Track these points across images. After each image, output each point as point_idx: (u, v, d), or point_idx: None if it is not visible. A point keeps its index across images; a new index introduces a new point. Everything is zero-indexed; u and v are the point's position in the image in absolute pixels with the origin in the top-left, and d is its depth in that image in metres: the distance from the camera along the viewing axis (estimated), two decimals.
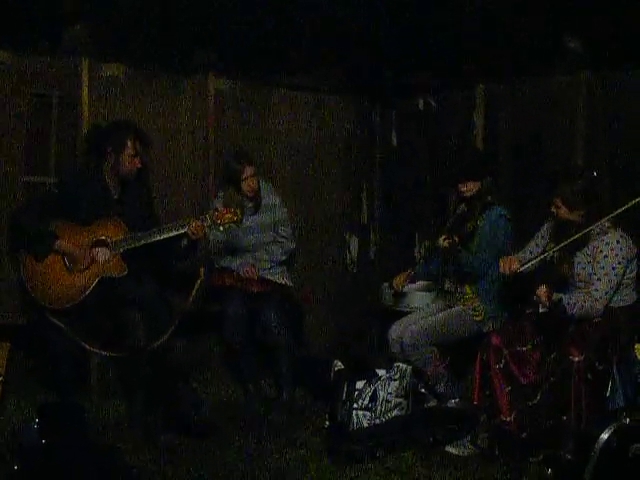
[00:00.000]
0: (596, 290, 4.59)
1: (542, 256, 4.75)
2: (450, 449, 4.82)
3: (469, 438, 4.82)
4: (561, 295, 4.57)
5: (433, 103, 6.89)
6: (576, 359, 4.45)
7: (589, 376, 4.47)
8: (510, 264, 4.79)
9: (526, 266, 4.73)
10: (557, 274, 4.79)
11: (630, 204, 4.48)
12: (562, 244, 4.64)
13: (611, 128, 5.67)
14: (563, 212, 4.73)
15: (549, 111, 6.03)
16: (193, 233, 5.10)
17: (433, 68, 6.40)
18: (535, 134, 6.12)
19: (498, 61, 6.00)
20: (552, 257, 4.81)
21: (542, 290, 4.56)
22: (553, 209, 4.78)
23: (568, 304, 4.56)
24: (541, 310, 4.75)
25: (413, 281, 5.84)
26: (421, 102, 6.97)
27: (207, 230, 5.32)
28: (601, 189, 4.79)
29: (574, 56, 5.66)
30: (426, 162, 6.93)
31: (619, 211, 4.52)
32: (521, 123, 6.23)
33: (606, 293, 4.59)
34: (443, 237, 5.32)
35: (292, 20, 6.09)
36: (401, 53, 6.25)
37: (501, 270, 4.83)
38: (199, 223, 5.11)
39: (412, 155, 7.13)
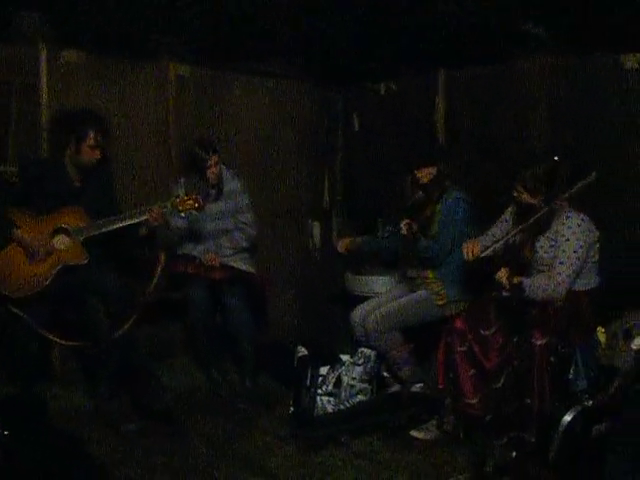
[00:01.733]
0: (559, 273, 4.62)
1: (503, 240, 4.78)
2: (414, 433, 4.85)
3: (433, 422, 4.86)
4: (522, 278, 4.61)
5: (395, 88, 6.91)
6: (539, 342, 4.47)
7: (552, 359, 4.50)
8: (472, 248, 4.83)
9: (488, 250, 4.76)
10: (519, 258, 4.82)
11: (581, 184, 4.54)
12: (521, 227, 4.68)
13: (572, 112, 5.71)
14: (525, 197, 4.77)
15: (510, 96, 6.05)
16: (154, 220, 5.08)
17: (394, 53, 6.39)
18: (496, 118, 6.16)
19: (459, 46, 6.02)
20: (514, 241, 4.84)
21: (502, 273, 4.62)
22: (515, 193, 4.82)
23: (529, 287, 4.59)
24: (504, 294, 4.80)
25: (358, 249, 5.78)
26: (383, 87, 6.98)
27: (168, 217, 5.31)
28: (562, 173, 4.80)
29: (535, 41, 5.69)
30: (388, 147, 6.93)
31: (572, 191, 4.57)
32: (482, 108, 6.25)
33: (568, 276, 4.62)
34: (403, 223, 5.33)
35: (252, 6, 6.06)
36: (362, 38, 6.24)
37: (464, 255, 4.87)
38: (160, 210, 5.09)
39: (374, 140, 7.14)
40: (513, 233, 4.74)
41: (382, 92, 6.99)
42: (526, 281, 4.62)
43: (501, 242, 4.79)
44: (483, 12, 5.58)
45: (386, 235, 5.49)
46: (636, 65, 5.33)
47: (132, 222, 5.09)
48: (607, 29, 5.24)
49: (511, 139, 6.02)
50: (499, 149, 6.03)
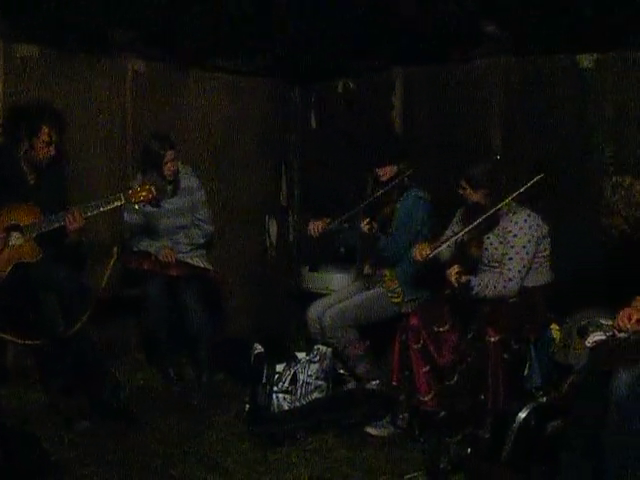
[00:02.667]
0: (509, 270, 4.67)
1: (451, 240, 4.81)
2: (369, 430, 4.86)
3: (388, 419, 4.88)
4: (470, 277, 4.64)
5: (352, 85, 6.91)
6: (492, 339, 4.50)
7: (505, 356, 4.54)
8: (422, 250, 4.85)
9: (436, 251, 4.78)
10: (468, 256, 4.85)
11: (529, 184, 4.58)
12: (469, 227, 4.71)
13: (528, 112, 5.76)
14: (469, 193, 4.84)
15: (467, 95, 6.09)
16: (71, 223, 4.92)
17: (352, 51, 6.39)
18: (454, 117, 6.19)
19: (417, 44, 6.03)
20: (463, 240, 4.87)
21: (452, 270, 4.64)
22: (460, 191, 4.88)
23: (478, 285, 4.62)
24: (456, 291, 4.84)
25: (328, 231, 5.72)
26: (340, 84, 6.98)
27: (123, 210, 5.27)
28: (505, 171, 4.89)
29: (492, 40, 5.72)
30: (345, 144, 6.94)
31: (520, 190, 4.61)
32: (440, 106, 6.28)
33: (519, 272, 4.66)
34: (364, 222, 5.32)
35: (210, 1, 6.03)
36: (320, 35, 6.24)
37: (415, 257, 4.90)
38: (79, 213, 4.94)
39: (331, 137, 7.14)
40: (462, 233, 4.77)
41: (339, 90, 7.00)
42: (474, 279, 4.65)
43: (448, 242, 4.82)
44: (441, 11, 5.59)
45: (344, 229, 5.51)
46: (592, 65, 5.39)
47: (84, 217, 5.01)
48: (564, 29, 5.29)
49: (468, 138, 6.05)
50: (457, 148, 6.06)
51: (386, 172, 5.43)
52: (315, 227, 5.51)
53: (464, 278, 4.59)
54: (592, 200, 5.46)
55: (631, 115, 5.27)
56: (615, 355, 3.79)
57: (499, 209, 4.71)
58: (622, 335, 3.82)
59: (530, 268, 4.73)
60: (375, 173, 5.48)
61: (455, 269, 4.64)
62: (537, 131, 5.73)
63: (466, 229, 4.74)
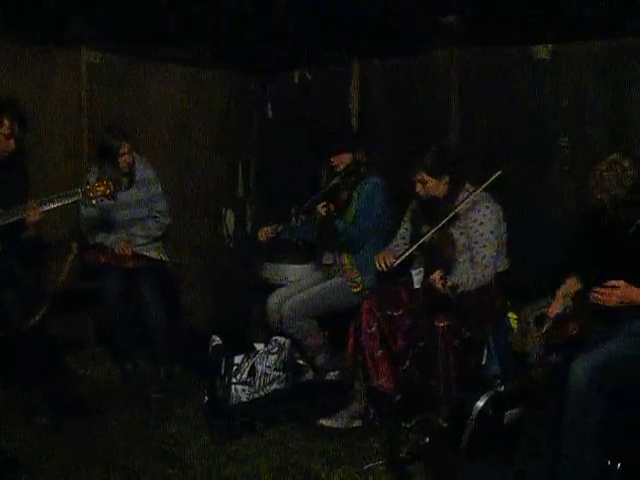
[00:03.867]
0: (483, 257, 4.68)
1: (417, 245, 4.76)
2: (323, 422, 4.85)
3: (342, 411, 4.87)
4: (454, 279, 4.55)
5: (309, 76, 6.91)
6: (441, 324, 4.53)
7: (456, 342, 4.57)
8: (385, 259, 4.84)
9: (401, 258, 4.75)
10: (440, 256, 4.84)
11: (489, 181, 4.59)
12: (436, 227, 4.68)
13: (485, 103, 5.80)
14: (431, 186, 4.79)
15: (424, 86, 6.11)
16: (29, 217, 4.89)
17: (309, 41, 6.38)
18: (411, 108, 6.20)
19: (373, 36, 6.03)
20: (430, 240, 4.83)
21: (436, 276, 4.52)
22: (418, 188, 4.83)
23: (461, 284, 4.57)
24: (415, 286, 4.83)
25: (278, 235, 5.68)
26: (297, 75, 6.99)
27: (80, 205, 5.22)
28: (458, 154, 4.99)
29: (449, 31, 5.73)
30: (302, 135, 6.92)
31: (481, 188, 4.63)
32: (397, 97, 6.30)
33: (492, 257, 4.68)
34: (320, 205, 5.30)
35: None
36: (276, 26, 6.22)
37: (378, 267, 4.87)
38: (36, 205, 4.91)
39: (288, 128, 7.13)
40: (428, 236, 4.75)
41: (296, 81, 7.00)
42: (459, 281, 4.58)
43: (414, 247, 4.78)
44: (398, 2, 5.59)
45: (299, 224, 5.49)
46: (546, 56, 5.43)
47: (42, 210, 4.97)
48: (519, 20, 5.32)
49: (425, 128, 6.07)
50: (413, 138, 6.09)
51: (341, 160, 5.42)
52: (264, 233, 5.52)
53: (450, 282, 4.49)
54: (549, 188, 5.51)
55: (587, 105, 5.31)
56: (559, 330, 3.86)
57: (462, 206, 4.71)
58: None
59: (500, 252, 4.78)
60: (330, 162, 5.47)
61: (438, 274, 4.52)
62: (494, 122, 5.76)
63: (433, 230, 4.71)
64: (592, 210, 3.92)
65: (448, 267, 4.76)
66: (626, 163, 3.77)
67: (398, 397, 4.64)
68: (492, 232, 4.69)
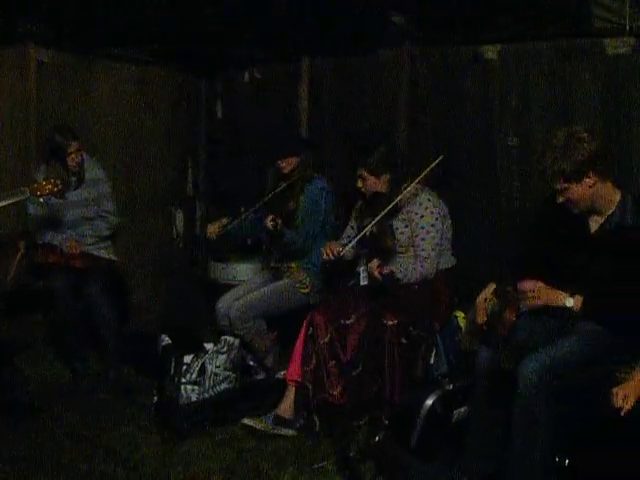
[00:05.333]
0: (423, 250, 4.71)
1: (361, 234, 4.79)
2: (246, 421, 4.76)
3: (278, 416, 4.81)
4: (391, 267, 4.60)
5: (258, 75, 6.88)
6: (389, 323, 4.55)
7: (403, 340, 4.57)
8: (332, 248, 4.82)
9: (347, 247, 4.78)
10: (383, 248, 4.85)
11: (432, 166, 4.64)
12: (377, 217, 4.70)
13: (433, 103, 5.81)
14: (370, 183, 4.85)
15: (373, 85, 6.12)
16: None
17: (259, 40, 6.36)
18: (360, 107, 6.21)
19: (323, 34, 6.02)
20: (372, 232, 4.86)
21: (373, 264, 4.58)
22: (360, 184, 4.88)
23: (400, 272, 4.61)
24: (362, 283, 4.83)
25: (226, 232, 5.60)
26: (246, 74, 6.96)
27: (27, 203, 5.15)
28: (400, 155, 5.00)
29: (398, 31, 5.73)
30: (251, 135, 6.92)
31: (423, 175, 4.67)
32: (346, 96, 6.30)
33: (432, 250, 4.70)
34: (268, 220, 5.24)
35: None
36: (226, 25, 6.18)
37: (324, 257, 4.87)
38: None
39: (237, 127, 7.12)
40: (371, 225, 4.76)
41: (246, 79, 6.96)
42: (397, 270, 4.62)
43: (358, 237, 4.80)
44: (348, 1, 5.58)
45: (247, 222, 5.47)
46: (495, 56, 5.44)
47: None
48: (467, 21, 5.33)
49: (374, 129, 6.08)
50: (362, 138, 6.00)
51: (288, 164, 5.40)
52: (212, 230, 5.47)
53: (386, 269, 4.53)
54: (496, 186, 5.54)
55: (534, 105, 5.33)
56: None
57: (403, 194, 4.72)
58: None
59: (441, 246, 4.77)
60: (277, 165, 5.44)
61: (375, 263, 4.58)
62: (442, 122, 5.79)
63: (374, 221, 4.73)
64: (547, 203, 3.91)
65: (389, 258, 4.80)
66: (584, 134, 3.70)
67: (350, 405, 4.59)
68: (433, 225, 4.72)
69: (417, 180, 4.68)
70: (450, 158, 4.84)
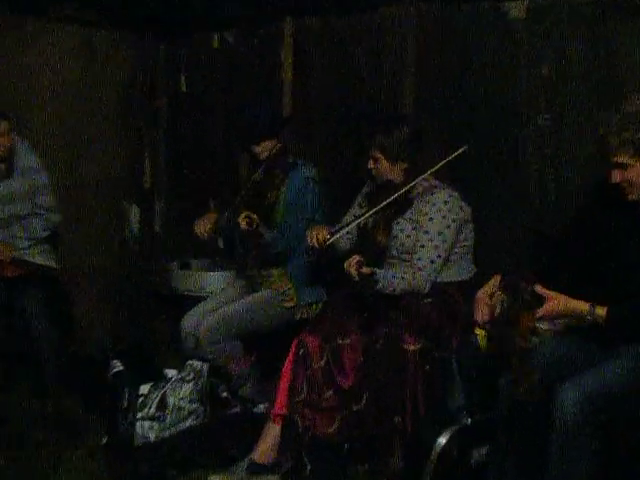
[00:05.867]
0: (419, 259, 4.67)
1: (354, 223, 4.79)
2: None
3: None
4: (374, 268, 4.57)
5: (231, 40, 6.86)
6: (411, 348, 4.51)
7: (427, 367, 4.54)
8: (318, 234, 4.80)
9: (337, 235, 4.75)
10: (374, 245, 4.83)
11: (452, 156, 4.64)
12: (376, 208, 4.70)
13: (446, 71, 5.78)
14: (383, 167, 4.82)
15: (372, 50, 6.09)
16: None
17: None
18: (356, 78, 6.19)
19: None
20: (367, 225, 4.87)
21: (352, 260, 4.52)
22: (370, 165, 4.85)
23: (383, 278, 4.56)
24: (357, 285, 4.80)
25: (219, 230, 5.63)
26: (216, 39, 6.94)
27: None
28: (428, 140, 4.89)
29: None
30: (223, 113, 6.93)
31: (440, 165, 4.65)
32: (339, 64, 6.28)
33: (431, 262, 4.65)
34: (241, 217, 5.20)
35: None
36: None
37: (309, 242, 4.85)
38: None
39: (206, 104, 7.11)
40: (368, 215, 4.76)
41: (216, 45, 6.95)
42: (379, 271, 4.59)
43: (351, 225, 4.79)
44: None
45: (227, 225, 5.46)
46: (522, 14, 5.41)
47: None
48: None
49: (373, 103, 6.06)
50: (359, 116, 6.06)
51: (265, 148, 5.40)
52: (203, 227, 5.44)
53: (365, 269, 4.49)
54: (524, 177, 5.51)
55: (572, 74, 5.29)
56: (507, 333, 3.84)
57: (412, 187, 4.70)
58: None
59: (447, 259, 4.74)
60: (252, 150, 5.45)
61: (355, 258, 4.52)
62: (457, 95, 5.74)
63: (372, 210, 4.72)
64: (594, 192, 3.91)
65: (378, 258, 4.81)
66: None
67: (347, 446, 4.57)
68: (440, 233, 4.67)
69: (432, 170, 4.66)
70: (465, 141, 4.82)
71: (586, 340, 3.85)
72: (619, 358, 3.72)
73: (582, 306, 3.67)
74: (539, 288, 3.71)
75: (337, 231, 4.79)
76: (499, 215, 5.48)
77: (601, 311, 3.64)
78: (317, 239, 4.79)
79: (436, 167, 4.66)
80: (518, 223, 5.46)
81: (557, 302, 3.69)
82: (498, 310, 3.83)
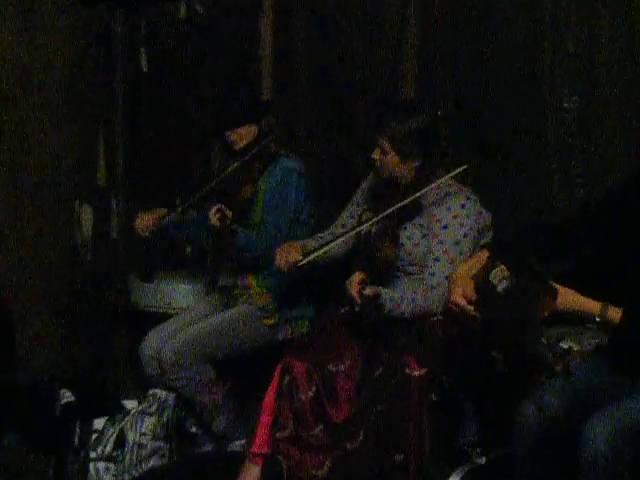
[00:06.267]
0: (432, 274, 4.65)
1: (338, 240, 4.77)
2: None
3: None
4: (379, 288, 4.54)
5: (200, 9, 6.83)
6: (416, 373, 4.47)
7: (433, 396, 4.51)
8: (288, 255, 4.79)
9: (313, 255, 4.73)
10: (378, 258, 4.79)
11: (454, 172, 4.65)
12: (382, 214, 4.67)
13: (454, 45, 5.79)
14: (391, 162, 4.76)
15: (366, 20, 6.10)
16: None
17: None
18: (347, 51, 6.19)
19: None
20: (369, 232, 4.83)
21: (353, 281, 4.51)
22: (376, 156, 4.79)
23: (391, 300, 4.52)
24: (357, 309, 4.75)
25: (162, 228, 5.63)
26: (183, 7, 6.91)
27: None
28: (445, 134, 4.85)
29: None
30: (191, 97, 6.93)
31: (459, 170, 4.64)
32: (327, 36, 6.30)
33: (447, 279, 4.55)
34: (213, 210, 5.22)
35: None
36: None
37: (277, 264, 4.88)
38: None
39: (171, 87, 7.10)
40: (368, 224, 4.73)
41: (182, 15, 6.92)
42: (386, 292, 4.55)
43: (340, 239, 4.78)
44: None
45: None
46: None
47: None
48: None
49: (367, 81, 6.06)
50: (354, 98, 6.08)
51: (242, 136, 5.43)
52: (145, 223, 5.42)
53: (370, 290, 4.46)
54: (547, 171, 5.51)
55: (603, 50, 5.27)
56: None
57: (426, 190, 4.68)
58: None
59: None
60: (226, 138, 5.44)
61: (357, 278, 4.50)
62: (466, 74, 5.76)
63: (376, 218, 4.67)
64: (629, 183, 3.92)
65: (386, 275, 4.80)
66: None
67: None
68: (457, 243, 4.66)
69: (454, 173, 4.64)
70: (477, 129, 4.79)
71: (615, 368, 3.86)
72: None
73: (593, 305, 3.72)
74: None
75: (313, 251, 4.76)
76: (517, 218, 5.48)
77: (614, 313, 3.68)
78: (286, 261, 4.77)
79: (457, 170, 4.63)
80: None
81: (567, 297, 3.74)
82: (500, 288, 3.80)
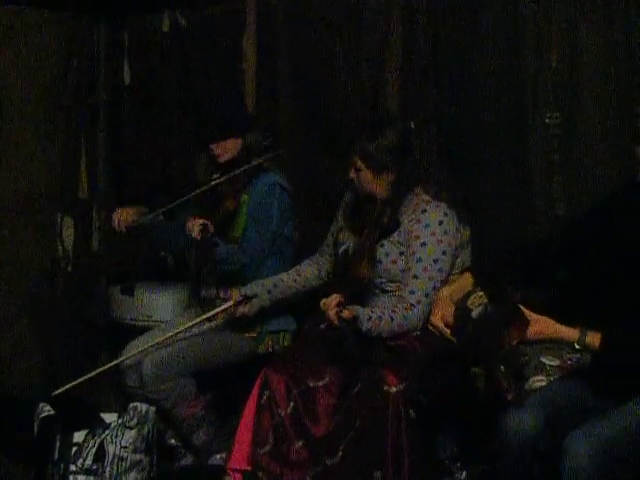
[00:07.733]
0: (411, 292, 4.64)
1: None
2: None
3: None
4: (356, 308, 4.52)
5: (184, 22, 6.85)
6: (393, 389, 4.46)
7: (412, 412, 4.50)
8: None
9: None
10: (354, 277, 4.80)
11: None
12: (367, 233, 4.68)
13: (440, 55, 5.78)
14: (366, 178, 4.79)
15: (352, 30, 6.09)
16: None
17: None
18: (331, 63, 6.19)
19: None
20: (346, 251, 4.87)
21: (331, 302, 4.49)
22: (352, 174, 4.83)
23: (368, 320, 4.50)
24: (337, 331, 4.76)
25: (140, 225, 5.59)
26: (166, 20, 6.92)
27: None
28: (419, 146, 4.89)
29: None
30: (174, 110, 6.95)
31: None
32: (311, 48, 6.30)
33: (426, 296, 4.61)
34: (195, 223, 5.22)
35: None
36: None
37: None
38: None
39: (154, 100, 7.12)
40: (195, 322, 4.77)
41: (165, 28, 6.93)
42: (363, 313, 4.52)
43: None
44: None
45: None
46: None
47: None
48: None
49: (354, 96, 6.06)
50: (337, 113, 6.09)
51: (226, 149, 5.43)
52: (123, 217, 5.42)
53: (347, 312, 4.43)
54: (528, 186, 5.51)
55: (586, 65, 5.29)
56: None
57: (399, 203, 4.69)
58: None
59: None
60: (210, 151, 5.45)
61: (335, 300, 4.48)
62: (448, 86, 5.76)
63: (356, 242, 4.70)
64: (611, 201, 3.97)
65: (363, 295, 4.82)
66: None
67: None
68: (436, 261, 4.66)
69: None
70: (462, 142, 4.80)
71: (596, 384, 3.88)
72: (628, 406, 3.74)
73: (571, 333, 3.78)
74: (525, 310, 3.79)
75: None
76: (499, 231, 5.49)
77: (592, 339, 3.73)
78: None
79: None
80: (520, 238, 5.46)
81: (544, 326, 3.81)
82: (475, 314, 3.85)
